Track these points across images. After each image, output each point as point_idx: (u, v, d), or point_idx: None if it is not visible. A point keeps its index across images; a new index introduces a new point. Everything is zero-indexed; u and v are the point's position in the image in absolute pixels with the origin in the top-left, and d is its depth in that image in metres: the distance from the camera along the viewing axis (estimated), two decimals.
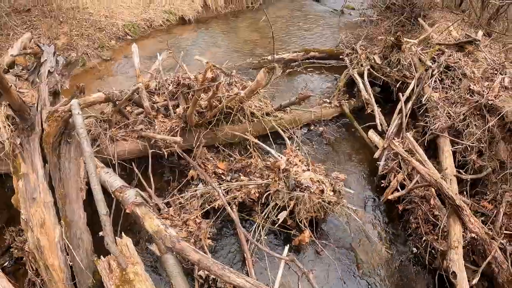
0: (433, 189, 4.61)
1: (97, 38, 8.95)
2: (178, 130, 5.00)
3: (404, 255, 4.52)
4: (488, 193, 4.86)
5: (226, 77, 5.57)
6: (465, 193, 4.85)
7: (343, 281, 4.19)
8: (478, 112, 5.51)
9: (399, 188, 4.82)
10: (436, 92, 6.00)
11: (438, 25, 8.22)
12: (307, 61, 8.39)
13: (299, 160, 4.84)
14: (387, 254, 4.49)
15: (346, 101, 6.46)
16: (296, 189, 4.40)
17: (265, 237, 4.40)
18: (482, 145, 5.13)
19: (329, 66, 8.30)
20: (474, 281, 3.90)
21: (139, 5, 10.75)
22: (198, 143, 5.07)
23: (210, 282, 3.90)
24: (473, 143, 5.12)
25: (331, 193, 4.35)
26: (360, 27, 10.33)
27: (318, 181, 4.43)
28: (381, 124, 5.62)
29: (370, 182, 5.37)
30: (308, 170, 4.64)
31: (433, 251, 4.36)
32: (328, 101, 6.50)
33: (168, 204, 4.59)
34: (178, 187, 4.87)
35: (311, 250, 4.44)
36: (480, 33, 7.28)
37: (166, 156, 4.82)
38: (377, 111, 5.70)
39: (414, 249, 4.55)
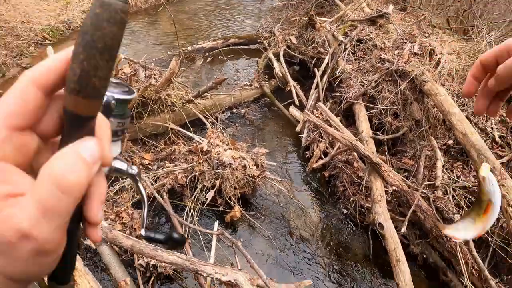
0: (355, 153, 4.77)
1: (15, 45, 8.40)
2: None
3: (335, 217, 4.69)
4: (408, 150, 5.16)
5: (145, 71, 5.46)
6: (386, 153, 5.08)
7: (279, 250, 4.26)
8: (390, 78, 5.80)
9: (322, 156, 4.98)
10: (349, 64, 6.24)
11: (353, 4, 8.51)
12: (228, 48, 8.39)
13: (221, 141, 4.88)
14: (318, 219, 4.62)
15: (267, 82, 6.54)
16: (219, 168, 4.42)
17: (199, 219, 4.43)
18: (396, 107, 5.38)
19: (249, 50, 8.36)
20: (403, 230, 4.10)
21: (57, 7, 10.22)
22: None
23: (151, 269, 3.88)
24: (387, 106, 5.37)
25: (254, 167, 4.38)
26: (281, 12, 10.48)
27: (239, 157, 4.47)
28: (299, 99, 5.73)
29: (295, 154, 5.52)
30: (230, 149, 4.70)
31: (362, 209, 4.55)
32: (248, 83, 6.55)
33: None
34: (109, 183, 4.69)
35: (245, 225, 4.53)
36: (391, 7, 7.63)
37: None
38: (293, 86, 5.83)
39: (345, 210, 4.73)
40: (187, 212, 4.40)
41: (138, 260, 3.90)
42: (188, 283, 3.97)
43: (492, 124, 5.21)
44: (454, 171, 5.12)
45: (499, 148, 5.33)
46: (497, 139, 5.39)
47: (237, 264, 3.67)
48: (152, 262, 3.88)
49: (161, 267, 3.85)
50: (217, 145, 4.75)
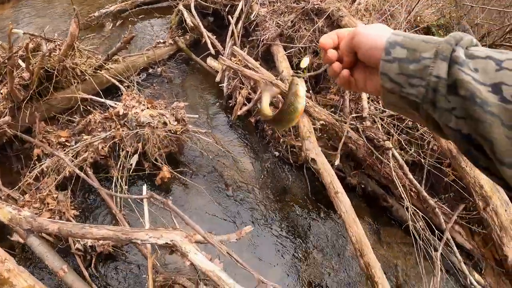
0: (280, 96, 4.66)
1: None
2: (6, 112, 4.43)
3: (269, 161, 4.64)
4: (331, 86, 5.14)
5: (49, 43, 4.95)
6: (310, 91, 5.03)
7: (217, 203, 4.18)
8: (306, 17, 5.69)
9: (246, 103, 4.81)
10: (264, 7, 6.04)
11: None
12: (139, 8, 7.86)
13: (137, 102, 4.60)
14: (251, 165, 4.54)
15: (181, 37, 6.21)
16: (138, 129, 4.16)
17: (129, 187, 4.25)
18: (315, 45, 5.30)
19: (161, 8, 7.90)
20: (337, 162, 4.13)
21: None
22: (34, 119, 4.55)
23: (90, 251, 3.68)
24: (306, 45, 5.27)
25: (175, 123, 4.16)
26: None
27: (158, 115, 4.23)
28: (216, 50, 5.51)
29: (218, 105, 5.40)
30: (148, 108, 4.49)
31: (293, 149, 4.51)
32: (162, 41, 6.19)
33: (24, 193, 4.12)
34: (28, 171, 4.31)
35: (178, 185, 4.40)
36: None
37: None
38: (207, 36, 5.60)
39: (277, 153, 4.70)
40: (115, 183, 4.16)
41: (75, 245, 3.67)
42: (131, 258, 3.81)
43: None
44: (380, 101, 5.17)
45: None
46: None
47: (176, 226, 3.49)
48: (89, 243, 3.67)
49: (99, 246, 3.65)
50: (134, 106, 4.49)
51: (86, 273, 3.51)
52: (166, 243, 3.01)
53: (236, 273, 3.15)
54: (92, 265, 3.63)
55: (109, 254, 3.72)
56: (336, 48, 0.89)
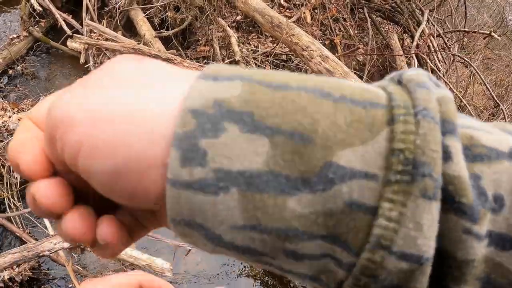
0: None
1: None
2: None
3: None
4: (200, 38, 5.10)
5: None
6: (180, 48, 4.94)
7: None
8: None
9: None
10: None
11: None
12: None
13: (2, 110, 4.28)
14: None
15: (36, 26, 5.70)
16: (11, 137, 3.85)
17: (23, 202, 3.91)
18: (172, 0, 5.15)
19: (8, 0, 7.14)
20: None
21: None
22: None
23: (11, 284, 3.36)
24: (164, 2, 5.10)
25: None
26: None
27: None
28: (75, 30, 5.15)
29: None
30: (15, 113, 4.24)
31: None
32: (16, 35, 5.65)
33: None
34: None
35: None
36: None
37: None
38: (59, 16, 5.17)
39: None
40: (8, 204, 3.85)
41: None
42: (54, 273, 3.62)
43: None
44: (251, 43, 5.23)
45: (287, 10, 5.53)
46: (283, 3, 5.58)
47: None
48: (6, 276, 3.32)
49: (17, 275, 3.36)
50: (0, 116, 4.16)
51: None
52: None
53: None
54: None
55: (32, 278, 3.49)
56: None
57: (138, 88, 0.27)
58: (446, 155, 0.25)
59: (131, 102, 0.26)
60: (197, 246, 0.28)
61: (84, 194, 0.31)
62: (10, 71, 5.37)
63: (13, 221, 3.76)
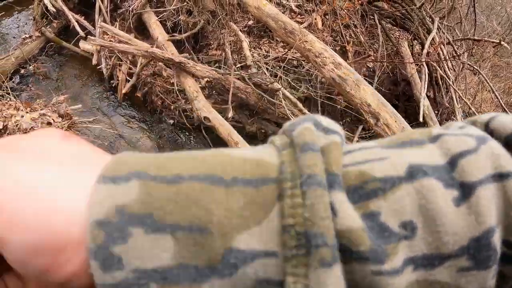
0: (160, 63, 4.57)
1: None
2: None
3: (166, 131, 4.61)
4: (212, 42, 5.11)
5: None
6: (192, 52, 4.96)
7: None
8: None
9: (128, 79, 4.66)
10: None
11: None
12: None
13: (15, 109, 4.28)
14: (150, 139, 4.50)
15: (48, 27, 5.74)
16: None
17: None
18: (187, 4, 5.18)
19: (20, 1, 7.17)
20: (230, 115, 4.13)
21: None
22: None
23: None
24: (177, 6, 5.12)
25: (60, 120, 3.97)
26: None
27: (39, 116, 4.01)
28: (88, 32, 5.18)
29: (102, 89, 5.17)
30: (27, 113, 4.21)
31: (187, 113, 4.48)
32: (28, 35, 5.69)
33: None
34: None
35: None
36: None
37: None
38: (72, 17, 5.23)
39: (171, 121, 4.66)
40: None
41: None
42: None
43: None
44: (262, 47, 5.24)
45: (299, 16, 5.54)
46: (294, 8, 5.59)
47: None
48: None
49: None
50: (12, 115, 4.16)
51: None
52: None
53: None
54: None
55: None
56: None
57: (58, 172, 0.28)
58: (333, 212, 0.26)
59: (52, 185, 0.27)
60: None
61: None
62: (22, 71, 5.40)
63: None
